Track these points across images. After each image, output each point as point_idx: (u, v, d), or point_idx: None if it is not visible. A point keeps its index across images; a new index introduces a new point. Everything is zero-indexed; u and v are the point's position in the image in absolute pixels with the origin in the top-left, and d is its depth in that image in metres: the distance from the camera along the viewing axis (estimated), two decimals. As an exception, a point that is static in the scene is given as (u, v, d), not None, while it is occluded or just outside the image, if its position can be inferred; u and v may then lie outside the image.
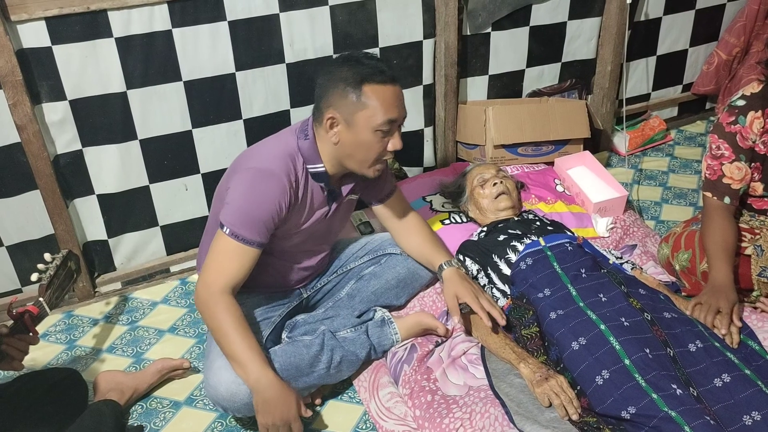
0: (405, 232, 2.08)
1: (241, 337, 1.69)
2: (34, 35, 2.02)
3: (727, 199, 2.01)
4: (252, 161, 1.80)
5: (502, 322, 1.84)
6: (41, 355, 2.18)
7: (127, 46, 2.13)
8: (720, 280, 1.88)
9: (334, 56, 2.42)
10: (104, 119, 2.21)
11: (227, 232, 1.73)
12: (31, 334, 1.68)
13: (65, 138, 2.19)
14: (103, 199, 2.33)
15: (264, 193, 1.74)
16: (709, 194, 2.03)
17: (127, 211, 2.38)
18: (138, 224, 2.43)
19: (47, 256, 1.82)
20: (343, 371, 1.92)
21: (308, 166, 1.82)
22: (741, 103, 1.99)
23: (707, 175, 2.04)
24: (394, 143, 1.79)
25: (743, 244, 2.02)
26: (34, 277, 1.77)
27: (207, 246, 1.95)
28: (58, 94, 2.12)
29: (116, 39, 2.11)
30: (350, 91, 1.72)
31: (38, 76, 2.07)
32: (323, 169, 1.83)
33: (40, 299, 1.73)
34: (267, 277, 1.96)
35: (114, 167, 2.29)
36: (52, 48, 2.05)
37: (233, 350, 1.69)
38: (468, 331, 1.93)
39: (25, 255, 2.28)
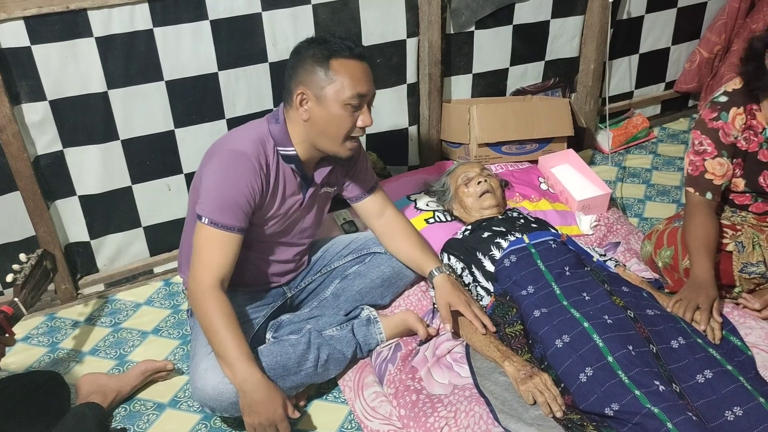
0: (390, 233, 2.07)
1: (231, 336, 1.69)
2: (12, 35, 2.00)
3: (709, 195, 2.02)
4: (222, 147, 1.81)
5: (492, 329, 1.86)
6: (23, 358, 2.15)
7: (107, 45, 2.11)
8: (701, 276, 1.89)
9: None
10: (85, 119, 2.19)
11: (206, 222, 1.74)
12: (7, 334, 1.67)
13: (45, 139, 2.17)
14: (85, 200, 2.31)
15: (237, 176, 1.75)
16: (691, 190, 2.05)
17: (110, 212, 2.36)
18: (121, 225, 2.41)
19: (22, 257, 1.81)
20: (330, 370, 1.91)
21: (279, 149, 1.83)
22: (723, 99, 2.00)
23: (689, 170, 2.06)
24: (364, 119, 1.80)
25: (725, 241, 2.04)
26: (9, 277, 1.75)
27: (187, 245, 1.94)
28: (38, 95, 2.10)
29: (96, 38, 2.09)
30: (318, 67, 1.74)
31: (17, 76, 2.05)
32: (294, 152, 1.84)
33: (15, 299, 1.72)
34: (247, 274, 1.95)
35: (96, 168, 2.27)
36: (31, 48, 2.03)
37: (222, 348, 1.69)
38: (456, 333, 1.93)
39: (5, 257, 2.25)
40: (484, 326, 1.84)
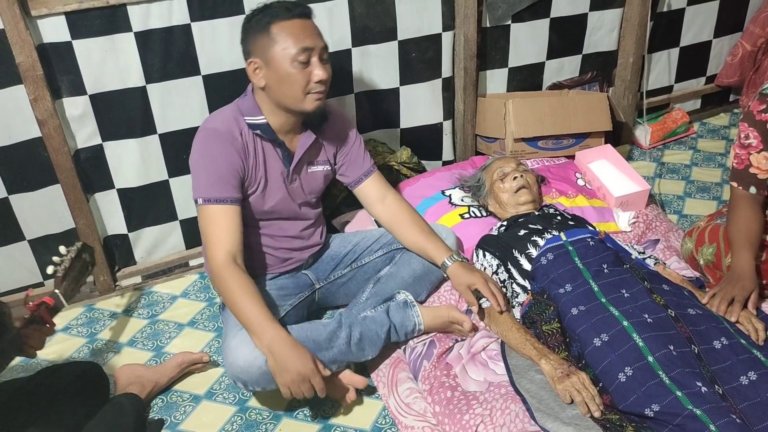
0: (394, 221, 2.08)
1: (251, 302, 1.73)
2: (54, 30, 2.03)
3: (752, 189, 1.98)
4: (198, 132, 1.89)
5: (503, 309, 1.89)
6: (63, 348, 2.19)
7: (146, 40, 2.13)
8: (740, 268, 1.87)
9: (352, 49, 2.42)
10: (124, 114, 2.21)
11: (201, 202, 1.82)
12: (47, 325, 1.70)
13: (85, 132, 2.20)
14: (123, 193, 2.34)
15: (217, 150, 1.83)
16: (734, 184, 2.01)
17: (147, 205, 2.39)
18: (158, 218, 2.43)
19: (62, 249, 1.84)
20: (366, 350, 1.90)
21: (246, 119, 1.89)
22: None
23: (735, 164, 2.02)
24: (317, 73, 1.81)
25: (767, 238, 1.99)
26: (49, 269, 1.79)
27: None
28: (79, 89, 2.13)
29: (135, 33, 2.11)
30: (260, 35, 1.81)
31: (58, 71, 2.08)
32: (264, 120, 1.89)
33: (56, 291, 1.75)
34: (265, 256, 2.00)
35: (134, 162, 2.29)
36: (72, 43, 2.06)
37: (245, 317, 1.73)
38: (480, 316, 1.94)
39: (46, 249, 2.29)
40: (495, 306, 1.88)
